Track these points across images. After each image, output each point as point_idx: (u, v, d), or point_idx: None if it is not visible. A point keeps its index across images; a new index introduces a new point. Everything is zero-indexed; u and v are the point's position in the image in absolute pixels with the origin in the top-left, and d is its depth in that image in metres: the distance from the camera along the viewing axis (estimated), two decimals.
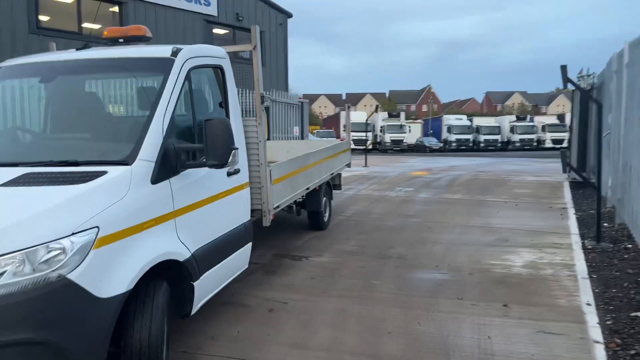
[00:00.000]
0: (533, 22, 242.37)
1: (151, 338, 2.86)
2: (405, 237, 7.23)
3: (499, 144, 40.09)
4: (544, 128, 40.54)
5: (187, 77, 3.62)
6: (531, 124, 41.52)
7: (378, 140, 39.85)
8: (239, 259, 4.34)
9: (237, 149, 3.46)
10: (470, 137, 40.26)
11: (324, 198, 7.71)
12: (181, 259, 3.28)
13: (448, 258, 6.13)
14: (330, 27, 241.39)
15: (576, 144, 11.34)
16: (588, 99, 9.09)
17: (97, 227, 2.61)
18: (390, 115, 41.93)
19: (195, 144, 3.57)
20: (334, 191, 8.65)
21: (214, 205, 3.82)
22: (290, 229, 7.77)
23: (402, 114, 43.72)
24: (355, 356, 3.67)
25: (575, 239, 6.87)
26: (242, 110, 4.57)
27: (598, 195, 6.70)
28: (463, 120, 42.40)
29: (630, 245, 6.23)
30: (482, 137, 40.24)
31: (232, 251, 4.16)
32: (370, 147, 33.34)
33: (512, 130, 40.48)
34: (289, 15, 21.61)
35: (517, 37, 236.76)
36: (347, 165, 9.08)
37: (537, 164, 20.82)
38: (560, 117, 45.14)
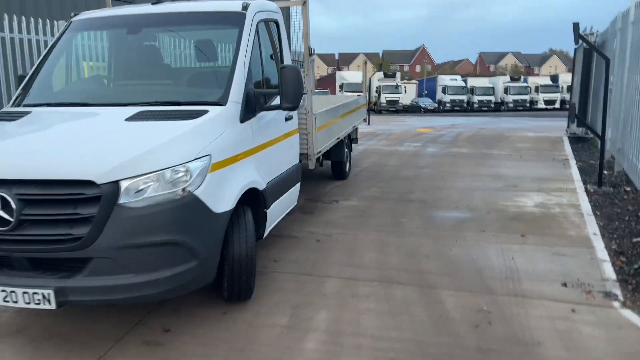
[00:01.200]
0: None
1: (247, 249, 3.45)
2: (421, 185, 7.85)
3: (493, 105, 40.49)
4: (537, 89, 40.91)
5: (256, 30, 4.07)
6: (524, 84, 41.72)
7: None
8: (293, 195, 4.92)
9: (306, 93, 3.96)
10: (464, 97, 40.60)
11: (346, 150, 8.25)
12: (260, 188, 3.83)
13: (465, 201, 6.77)
14: None
15: (577, 100, 11.90)
16: (597, 55, 9.59)
17: (210, 155, 3.14)
18: (386, 76, 41.72)
19: (264, 89, 4.06)
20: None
21: (277, 145, 4.35)
22: (314, 179, 8.34)
23: (398, 74, 43.63)
24: (402, 271, 4.32)
25: (579, 185, 7.54)
26: None
27: (602, 143, 7.33)
28: (458, 81, 42.60)
29: (629, 189, 6.92)
30: (475, 98, 40.58)
31: (289, 187, 4.73)
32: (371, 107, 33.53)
33: (506, 91, 40.76)
34: None
35: None
36: (363, 119, 9.59)
37: (533, 122, 21.43)
38: (553, 78, 45.30)
